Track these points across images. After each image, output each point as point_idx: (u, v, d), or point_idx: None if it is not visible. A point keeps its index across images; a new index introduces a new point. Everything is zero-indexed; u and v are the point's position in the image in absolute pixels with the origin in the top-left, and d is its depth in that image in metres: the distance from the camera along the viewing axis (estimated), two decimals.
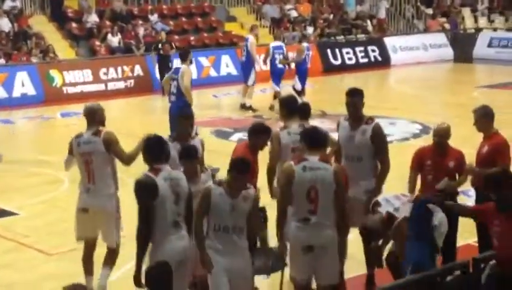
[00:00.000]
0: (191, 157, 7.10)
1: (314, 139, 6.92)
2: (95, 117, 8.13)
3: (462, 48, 29.67)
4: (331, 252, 6.75)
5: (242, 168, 6.45)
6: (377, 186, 7.90)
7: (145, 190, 6.35)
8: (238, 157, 6.82)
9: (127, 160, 7.97)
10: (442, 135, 7.92)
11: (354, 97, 7.95)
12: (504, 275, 6.30)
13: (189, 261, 6.62)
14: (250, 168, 6.62)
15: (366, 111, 8.33)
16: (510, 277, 6.23)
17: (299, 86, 19.02)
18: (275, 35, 21.47)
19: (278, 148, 8.05)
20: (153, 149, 6.63)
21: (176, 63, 17.52)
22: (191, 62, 15.14)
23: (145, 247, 6.34)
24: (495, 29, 31.21)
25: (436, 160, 7.89)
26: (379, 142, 7.92)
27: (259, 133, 7.82)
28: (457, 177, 7.92)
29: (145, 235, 6.32)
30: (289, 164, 6.86)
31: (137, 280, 6.23)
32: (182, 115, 8.28)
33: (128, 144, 9.73)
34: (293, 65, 19.37)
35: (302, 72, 19.12)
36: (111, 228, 7.96)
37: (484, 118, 8.09)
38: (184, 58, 14.67)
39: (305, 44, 20.00)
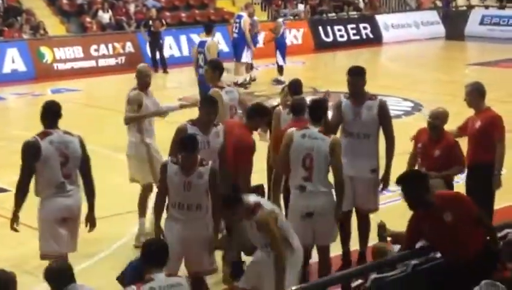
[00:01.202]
0: (187, 149, 6.63)
1: (316, 112, 7.25)
2: None
3: (454, 25, 29.61)
4: (329, 216, 7.06)
5: (192, 146, 6.56)
6: (389, 163, 7.85)
7: (28, 151, 6.95)
8: (187, 136, 6.88)
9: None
10: (436, 117, 7.75)
11: (356, 76, 7.82)
12: (450, 265, 6.13)
13: (78, 218, 7.25)
14: (197, 145, 6.67)
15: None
16: (457, 265, 6.03)
17: (281, 62, 19.57)
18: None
19: (279, 126, 8.16)
20: (47, 114, 7.16)
21: (197, 37, 17.93)
22: (213, 35, 15.67)
23: (21, 198, 7.10)
24: (487, 7, 31.14)
25: (425, 144, 7.83)
26: (387, 117, 7.88)
27: (263, 115, 7.90)
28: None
29: (21, 189, 7.06)
30: (291, 130, 7.20)
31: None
32: (206, 99, 7.79)
33: (118, 121, 9.72)
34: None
35: (282, 48, 19.76)
36: None
37: (475, 93, 8.08)
38: (208, 31, 15.16)
39: (280, 20, 20.62)
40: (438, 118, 7.73)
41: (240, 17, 19.92)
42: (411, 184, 6.00)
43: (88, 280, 5.31)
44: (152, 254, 5.45)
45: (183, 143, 6.59)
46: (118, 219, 9.64)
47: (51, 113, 7.19)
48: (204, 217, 6.70)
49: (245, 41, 19.31)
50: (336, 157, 7.05)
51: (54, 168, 6.97)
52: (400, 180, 6.08)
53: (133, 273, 5.99)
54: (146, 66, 9.70)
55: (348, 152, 7.59)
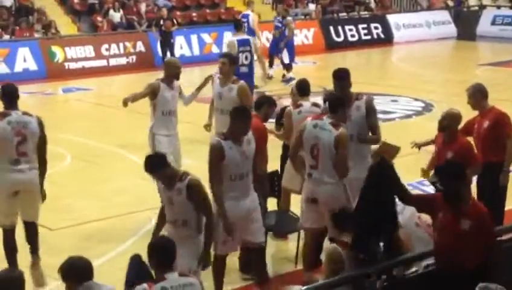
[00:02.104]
0: (155, 168, 6.59)
1: (332, 104, 7.40)
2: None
3: (466, 25, 29.50)
4: (332, 207, 7.11)
5: (154, 166, 6.54)
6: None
7: None
8: (147, 156, 6.77)
9: None
10: (444, 118, 7.68)
11: (343, 80, 7.82)
12: (441, 270, 6.05)
13: (33, 190, 7.63)
14: (165, 163, 6.59)
15: (369, 88, 8.35)
16: (447, 272, 5.95)
17: (287, 60, 19.72)
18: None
19: (291, 125, 8.40)
20: (6, 96, 7.62)
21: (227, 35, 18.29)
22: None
23: None
24: (499, 7, 31.01)
25: (440, 147, 7.79)
26: (374, 114, 7.90)
27: (271, 103, 8.22)
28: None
29: None
30: (307, 119, 7.47)
31: None
32: (241, 111, 7.20)
33: (129, 120, 9.75)
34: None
35: (290, 47, 19.97)
36: None
37: (478, 94, 8.08)
38: (239, 28, 15.09)
39: (290, 18, 20.64)
40: (446, 119, 7.67)
41: (245, 16, 19.85)
42: (451, 174, 5.99)
43: (96, 279, 5.28)
44: (159, 253, 5.45)
45: (148, 164, 6.56)
46: (128, 218, 9.67)
47: (9, 95, 7.65)
48: (192, 234, 6.62)
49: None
50: (339, 151, 7.16)
51: (8, 146, 7.42)
52: (440, 170, 6.20)
53: (135, 272, 5.99)
54: (175, 59, 10.54)
55: None
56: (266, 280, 7.30)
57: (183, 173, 6.64)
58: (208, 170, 6.92)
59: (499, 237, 6.48)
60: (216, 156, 6.86)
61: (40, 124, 7.67)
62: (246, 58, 14.13)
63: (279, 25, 20.25)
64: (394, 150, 7.04)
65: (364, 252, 6.03)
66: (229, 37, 20.62)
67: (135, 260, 6.25)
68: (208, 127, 10.00)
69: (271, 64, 20.17)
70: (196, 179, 6.60)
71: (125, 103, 9.48)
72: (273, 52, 20.43)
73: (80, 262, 5.31)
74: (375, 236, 6.16)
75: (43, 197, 7.90)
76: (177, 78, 9.45)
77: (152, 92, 9.25)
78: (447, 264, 5.94)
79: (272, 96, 8.71)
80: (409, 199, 6.30)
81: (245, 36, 15.12)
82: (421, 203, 6.37)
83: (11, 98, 7.64)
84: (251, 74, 14.17)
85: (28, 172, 7.60)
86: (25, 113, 7.66)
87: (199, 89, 9.92)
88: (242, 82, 9.73)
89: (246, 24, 19.55)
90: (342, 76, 7.86)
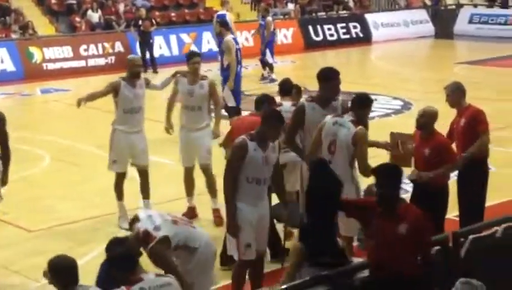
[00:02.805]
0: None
1: (356, 103, 7.46)
2: None
3: (443, 24, 29.68)
4: None
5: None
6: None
7: None
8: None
9: None
10: (422, 115, 7.65)
11: (337, 80, 7.82)
12: (377, 279, 5.81)
13: None
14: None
15: (348, 87, 8.38)
16: (384, 281, 5.74)
17: (271, 60, 19.83)
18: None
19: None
20: None
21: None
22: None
23: None
24: (475, 6, 31.24)
25: (417, 144, 7.82)
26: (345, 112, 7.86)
27: (271, 102, 8.26)
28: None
29: None
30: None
31: None
32: (274, 116, 7.04)
33: (108, 120, 9.72)
34: None
35: (271, 46, 20.10)
36: None
37: (456, 91, 8.13)
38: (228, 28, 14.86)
39: (270, 18, 20.62)
40: (424, 116, 7.66)
41: (221, 16, 19.52)
42: (388, 177, 5.81)
43: (80, 279, 5.25)
44: (122, 257, 5.34)
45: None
46: (109, 219, 9.63)
47: None
48: None
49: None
50: (358, 148, 7.25)
51: None
52: (376, 171, 5.92)
53: (106, 276, 5.89)
54: (136, 56, 10.30)
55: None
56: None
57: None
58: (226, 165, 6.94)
59: (478, 234, 6.52)
60: (238, 155, 6.76)
61: (2, 120, 7.92)
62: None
63: (264, 23, 20.36)
64: (407, 137, 7.39)
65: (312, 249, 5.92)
66: (209, 37, 20.62)
67: (105, 265, 6.12)
68: (169, 130, 9.87)
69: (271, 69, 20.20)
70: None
71: (79, 104, 9.40)
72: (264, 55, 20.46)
73: (66, 263, 5.24)
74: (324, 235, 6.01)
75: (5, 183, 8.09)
76: (138, 77, 9.37)
77: (113, 90, 9.27)
78: (385, 271, 5.72)
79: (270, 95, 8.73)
80: (339, 204, 6.12)
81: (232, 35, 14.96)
82: (352, 208, 6.15)
83: None
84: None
85: None
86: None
87: (173, 76, 9.88)
88: (210, 78, 9.83)
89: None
90: (336, 75, 7.83)
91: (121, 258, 5.33)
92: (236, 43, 14.42)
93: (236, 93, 13.89)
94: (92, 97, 9.45)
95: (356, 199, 6.75)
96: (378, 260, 5.81)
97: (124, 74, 9.45)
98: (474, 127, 7.95)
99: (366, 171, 7.17)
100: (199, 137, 9.42)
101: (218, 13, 20.10)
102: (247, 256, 6.83)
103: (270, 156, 6.87)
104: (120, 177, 9.45)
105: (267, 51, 19.86)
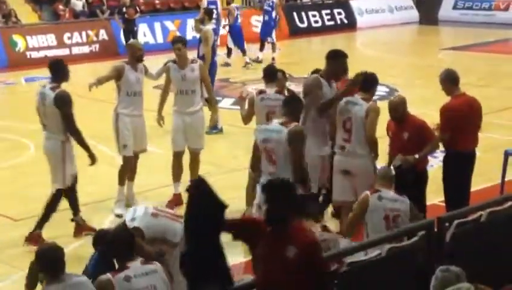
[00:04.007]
0: None
1: (364, 82, 7.99)
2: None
3: (428, 10, 29.73)
4: (365, 176, 7.69)
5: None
6: None
7: None
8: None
9: None
10: (396, 109, 7.85)
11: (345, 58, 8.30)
12: None
13: None
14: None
15: None
16: None
17: (231, 44, 20.28)
18: None
19: (251, 111, 8.69)
20: None
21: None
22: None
23: None
24: None
25: (394, 131, 7.91)
26: None
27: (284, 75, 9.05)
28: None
29: None
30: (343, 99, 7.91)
31: None
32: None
33: (93, 109, 9.69)
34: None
35: (238, 34, 20.39)
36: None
37: (445, 80, 8.18)
38: (210, 17, 14.83)
39: (233, 5, 21.16)
40: (397, 110, 7.84)
41: (214, 2, 19.32)
42: (276, 192, 5.13)
43: (68, 267, 5.26)
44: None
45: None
46: (100, 206, 9.66)
47: None
48: None
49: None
50: (369, 118, 7.70)
51: None
52: (266, 188, 5.26)
53: (95, 266, 5.93)
54: (137, 41, 10.85)
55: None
56: None
57: None
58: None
59: (463, 219, 6.56)
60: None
61: None
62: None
63: (269, 9, 20.97)
64: None
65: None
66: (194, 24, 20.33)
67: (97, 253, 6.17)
68: (160, 121, 9.92)
69: (261, 48, 20.89)
70: None
71: (90, 88, 9.52)
72: (264, 36, 21.06)
73: (53, 251, 5.26)
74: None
75: None
76: (140, 60, 9.55)
77: (118, 74, 9.40)
78: None
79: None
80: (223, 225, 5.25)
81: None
82: (238, 229, 5.31)
83: None
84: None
85: None
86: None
87: (165, 65, 9.97)
88: (199, 60, 10.10)
89: (215, 11, 19.09)
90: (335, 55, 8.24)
91: (109, 248, 5.38)
92: (216, 33, 14.42)
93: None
94: (99, 82, 9.61)
95: (243, 218, 5.91)
96: (265, 286, 5.15)
97: (100, 63, 9.52)
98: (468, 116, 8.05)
99: (371, 140, 7.70)
100: (192, 122, 9.54)
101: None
102: None
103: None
104: (129, 161, 9.59)
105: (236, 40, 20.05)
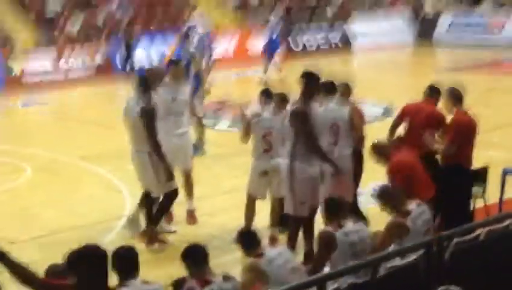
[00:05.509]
0: None
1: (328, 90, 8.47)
2: None
3: (423, 32, 29.90)
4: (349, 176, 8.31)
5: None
6: None
7: None
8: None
9: None
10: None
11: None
12: None
13: None
14: None
15: None
16: None
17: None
18: None
19: (248, 131, 8.71)
20: None
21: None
22: None
23: None
24: (455, 13, 31.45)
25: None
26: None
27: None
28: None
29: None
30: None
31: None
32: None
33: (91, 132, 9.69)
34: None
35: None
36: None
37: (446, 98, 8.31)
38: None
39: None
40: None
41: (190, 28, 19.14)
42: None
43: None
44: (122, 262, 5.41)
45: None
46: (91, 228, 9.61)
47: None
48: None
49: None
50: (354, 120, 8.40)
51: None
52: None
53: None
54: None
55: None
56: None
57: None
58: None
59: (462, 237, 6.55)
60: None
61: None
62: None
63: (271, 29, 21.51)
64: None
65: None
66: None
67: None
68: None
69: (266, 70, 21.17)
70: None
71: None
72: (268, 56, 21.33)
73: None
74: None
75: None
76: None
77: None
78: None
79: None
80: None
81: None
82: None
83: None
84: None
85: None
86: None
87: None
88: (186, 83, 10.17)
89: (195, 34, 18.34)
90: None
91: (125, 258, 5.36)
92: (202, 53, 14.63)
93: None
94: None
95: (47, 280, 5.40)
96: None
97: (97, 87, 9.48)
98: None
99: (359, 141, 8.19)
100: (182, 144, 9.47)
101: (189, 25, 19.34)
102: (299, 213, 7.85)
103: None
104: None
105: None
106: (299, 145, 7.75)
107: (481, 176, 8.69)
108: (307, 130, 7.68)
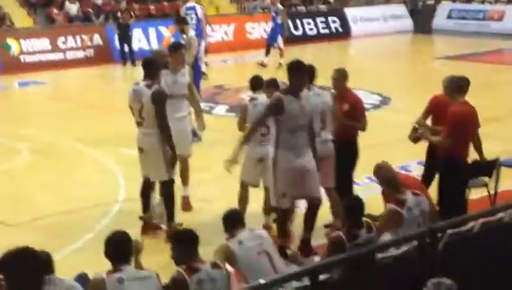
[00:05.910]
0: None
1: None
2: None
3: (422, 19, 29.83)
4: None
5: None
6: None
7: None
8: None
9: None
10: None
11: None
12: None
13: None
14: None
15: (327, 82, 8.50)
16: None
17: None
18: None
19: (244, 117, 8.67)
20: None
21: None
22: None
23: None
24: (454, 1, 31.38)
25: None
26: None
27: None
28: None
29: None
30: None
31: None
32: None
33: (88, 115, 9.66)
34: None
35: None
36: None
37: (445, 88, 8.24)
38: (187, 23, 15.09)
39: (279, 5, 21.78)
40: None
41: (192, 8, 18.72)
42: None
43: (61, 273, 5.23)
44: (115, 247, 5.42)
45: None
46: (87, 212, 9.60)
47: None
48: None
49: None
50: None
51: None
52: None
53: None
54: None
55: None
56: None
57: None
58: None
59: (456, 228, 6.55)
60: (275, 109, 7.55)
61: None
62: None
63: (274, 15, 21.45)
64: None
65: None
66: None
67: (81, 278, 6.11)
68: None
69: (267, 53, 21.11)
70: None
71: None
72: (271, 41, 21.29)
73: (40, 255, 5.21)
74: None
75: None
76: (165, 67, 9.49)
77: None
78: None
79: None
80: None
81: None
82: None
83: None
84: None
85: None
86: None
87: None
88: (187, 66, 10.02)
89: (194, 16, 18.18)
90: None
91: (118, 244, 5.40)
92: (199, 38, 14.58)
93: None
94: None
95: None
96: None
97: (94, 68, 9.41)
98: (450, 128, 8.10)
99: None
100: (181, 129, 9.41)
101: (187, 5, 18.60)
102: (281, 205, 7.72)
103: (307, 104, 7.63)
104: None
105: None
106: (282, 135, 7.61)
107: (489, 168, 8.68)
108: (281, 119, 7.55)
